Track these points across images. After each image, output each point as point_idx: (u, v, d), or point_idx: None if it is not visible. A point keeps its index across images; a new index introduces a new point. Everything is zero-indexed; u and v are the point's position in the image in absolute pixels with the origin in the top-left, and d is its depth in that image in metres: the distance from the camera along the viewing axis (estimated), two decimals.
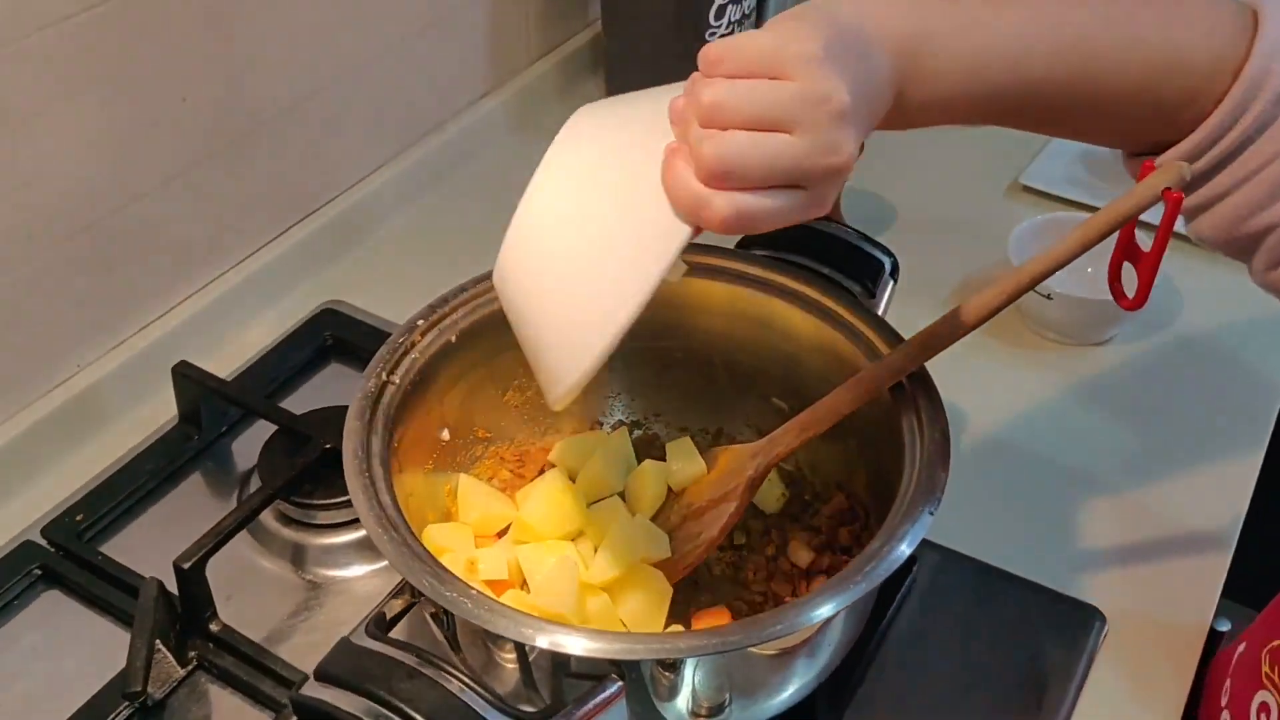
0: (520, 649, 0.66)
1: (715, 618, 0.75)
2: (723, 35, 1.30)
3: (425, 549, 0.65)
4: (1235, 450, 0.98)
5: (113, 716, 0.78)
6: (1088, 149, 1.31)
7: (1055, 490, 0.95)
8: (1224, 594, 0.88)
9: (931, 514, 0.66)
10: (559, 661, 0.65)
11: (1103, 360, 1.08)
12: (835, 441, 0.80)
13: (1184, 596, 0.88)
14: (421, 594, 0.63)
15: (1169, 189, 0.65)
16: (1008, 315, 1.12)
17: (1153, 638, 0.85)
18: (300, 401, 1.03)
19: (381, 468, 0.69)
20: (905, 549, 0.64)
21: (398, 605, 0.68)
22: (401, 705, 0.58)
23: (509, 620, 0.61)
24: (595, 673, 0.64)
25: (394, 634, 0.69)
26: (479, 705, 0.59)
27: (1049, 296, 1.06)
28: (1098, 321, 1.08)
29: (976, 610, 0.87)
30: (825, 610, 0.62)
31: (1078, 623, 0.86)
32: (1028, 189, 1.26)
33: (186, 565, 0.80)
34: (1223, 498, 0.94)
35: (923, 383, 0.73)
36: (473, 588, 0.63)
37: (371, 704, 0.59)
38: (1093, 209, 1.19)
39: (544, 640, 0.61)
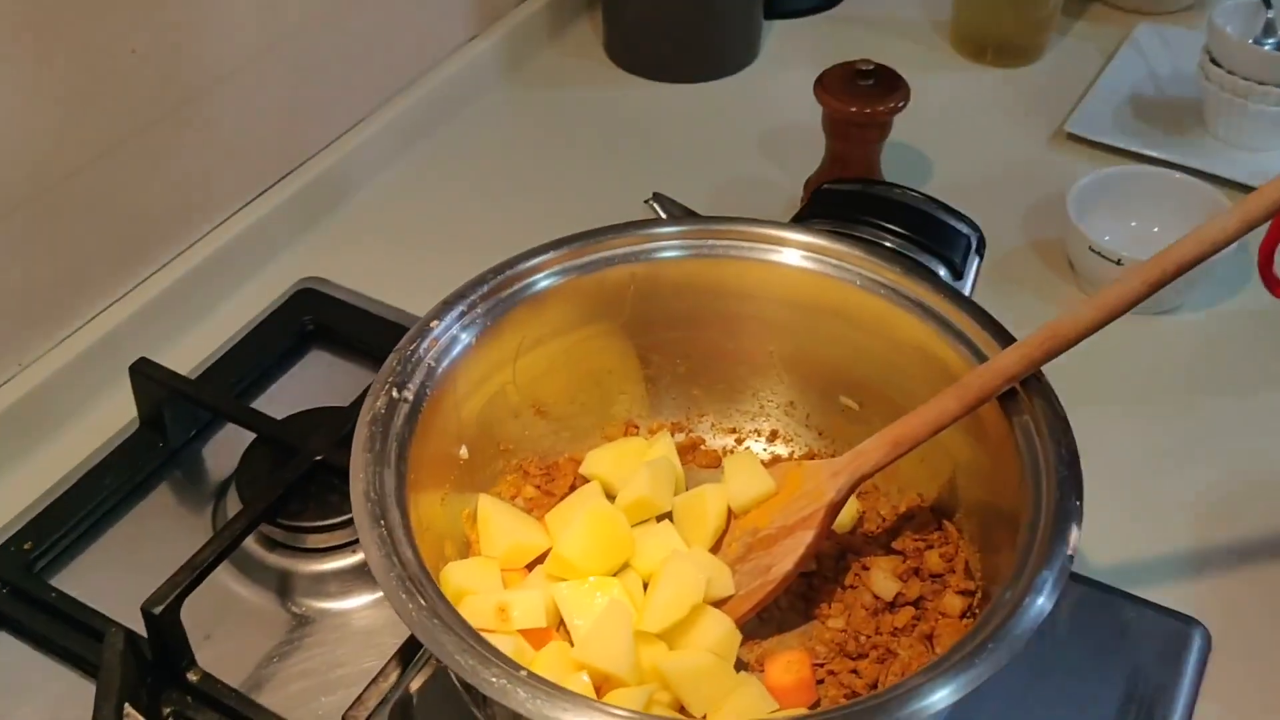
0: None
1: (795, 667, 0.64)
2: None
3: (457, 615, 0.53)
4: None
5: None
6: (1135, 91, 1.20)
7: (1140, 485, 0.84)
8: None
9: (1071, 558, 0.55)
10: None
11: (1173, 331, 0.97)
12: (918, 448, 0.68)
13: None
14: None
15: None
16: (1060, 277, 1.04)
17: (1263, 651, 0.75)
18: (280, 397, 0.91)
19: (398, 509, 0.57)
20: (1045, 602, 0.53)
21: (423, 675, 0.56)
22: None
23: (575, 715, 0.49)
24: None
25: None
26: None
27: (1119, 262, 0.94)
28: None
29: (1063, 626, 0.76)
30: (950, 692, 0.50)
31: (1178, 638, 0.76)
32: (1074, 137, 1.15)
33: (158, 610, 0.68)
34: None
35: (1041, 389, 0.62)
36: (519, 668, 0.51)
37: None
38: (1147, 159, 1.09)
39: None
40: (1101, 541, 0.81)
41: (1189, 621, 0.76)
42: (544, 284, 0.69)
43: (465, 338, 0.66)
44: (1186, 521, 0.83)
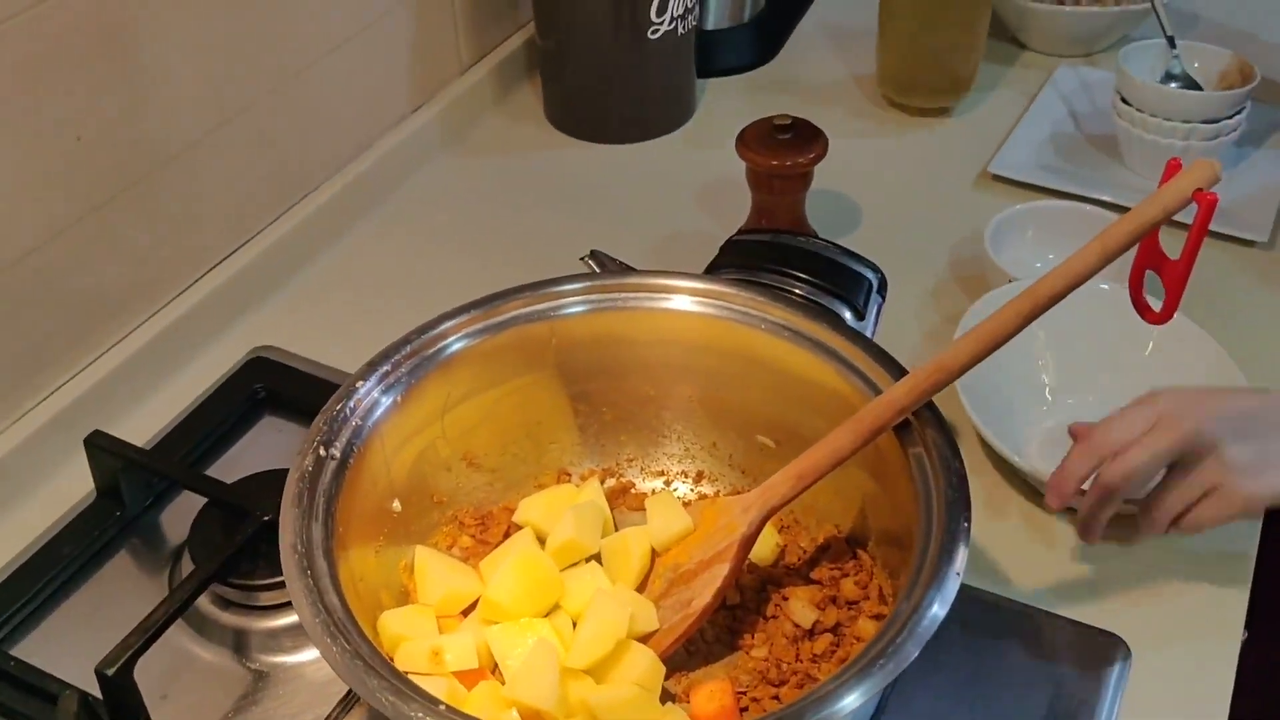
0: None
1: (717, 696, 0.66)
2: (665, 31, 1.21)
3: (380, 658, 0.56)
4: None
5: None
6: (1055, 130, 1.25)
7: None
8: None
9: (958, 575, 0.58)
10: None
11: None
12: (832, 480, 0.72)
13: (1208, 615, 0.81)
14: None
15: (1200, 190, 0.58)
16: None
17: (1180, 664, 0.78)
18: (234, 464, 0.94)
19: (325, 561, 0.60)
20: (932, 618, 0.56)
21: (356, 716, 0.59)
22: None
23: None
24: None
25: None
26: None
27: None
28: None
29: (987, 647, 0.79)
30: (853, 699, 0.54)
31: (1099, 653, 0.79)
32: (998, 178, 1.20)
33: (111, 671, 0.71)
34: None
35: (932, 416, 0.65)
36: (439, 702, 0.54)
37: None
38: (1068, 195, 1.13)
39: None
40: (1021, 562, 0.84)
41: (1109, 637, 0.79)
42: (458, 345, 0.73)
43: (390, 396, 0.70)
44: (1107, 540, 0.86)
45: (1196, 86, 1.16)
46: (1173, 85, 1.16)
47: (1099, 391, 0.94)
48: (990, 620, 0.80)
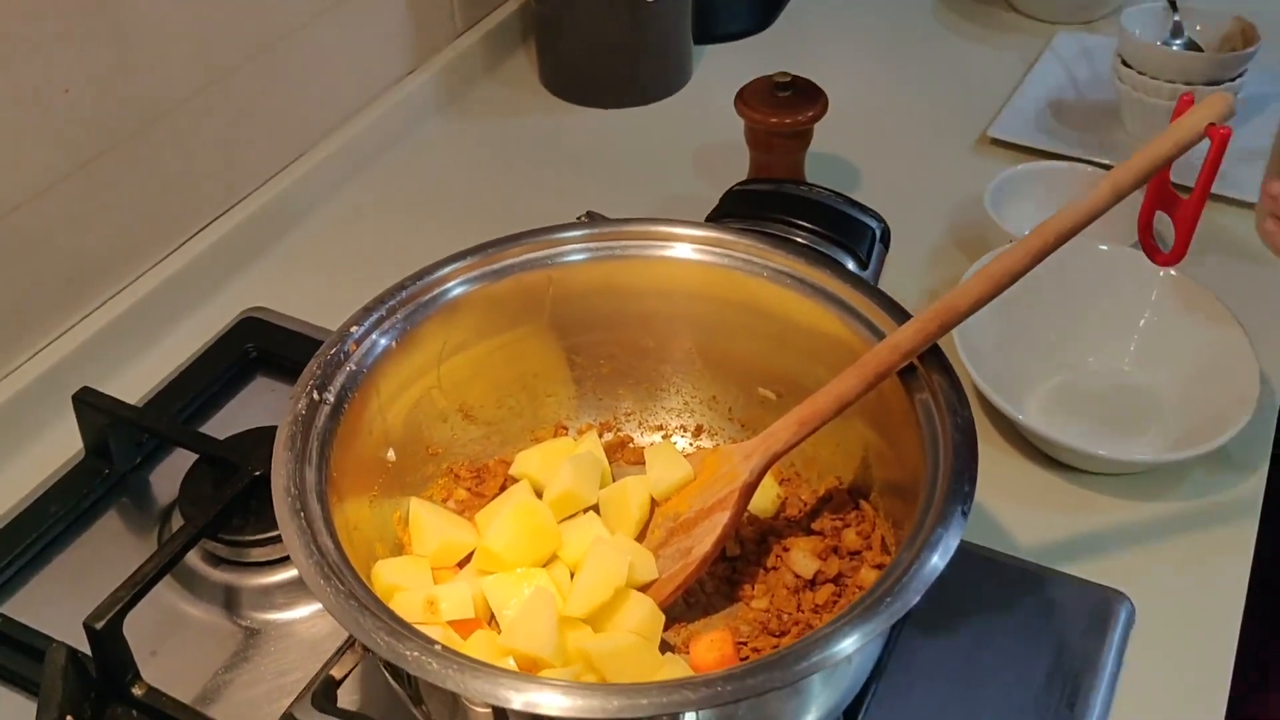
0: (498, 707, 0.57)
1: (717, 645, 0.65)
2: None
3: (375, 599, 0.55)
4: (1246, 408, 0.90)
5: None
6: (1054, 96, 1.24)
7: (1059, 465, 0.87)
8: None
9: (965, 515, 0.57)
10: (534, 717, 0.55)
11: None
12: (834, 431, 0.71)
13: (1212, 569, 0.80)
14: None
15: (1213, 124, 0.56)
16: None
17: (1185, 621, 0.77)
18: (224, 424, 0.92)
19: (319, 503, 0.59)
20: (939, 560, 0.55)
21: (348, 662, 0.58)
22: None
23: (483, 680, 0.51)
24: None
25: (347, 690, 0.60)
26: None
27: None
28: None
29: (991, 605, 0.78)
30: (852, 641, 0.53)
31: (1104, 611, 0.78)
32: (997, 141, 1.19)
33: (99, 624, 0.69)
34: (1243, 462, 0.87)
35: (939, 363, 0.64)
36: (434, 642, 0.53)
37: None
38: (1067, 159, 1.12)
39: (522, 700, 0.51)
40: (1024, 521, 0.83)
41: (1112, 593, 0.78)
42: (458, 291, 0.71)
43: (385, 342, 0.68)
44: (1109, 496, 0.85)
45: (1198, 49, 1.15)
46: (1176, 46, 1.14)
47: (1100, 353, 0.93)
48: (993, 578, 0.79)
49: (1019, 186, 1.05)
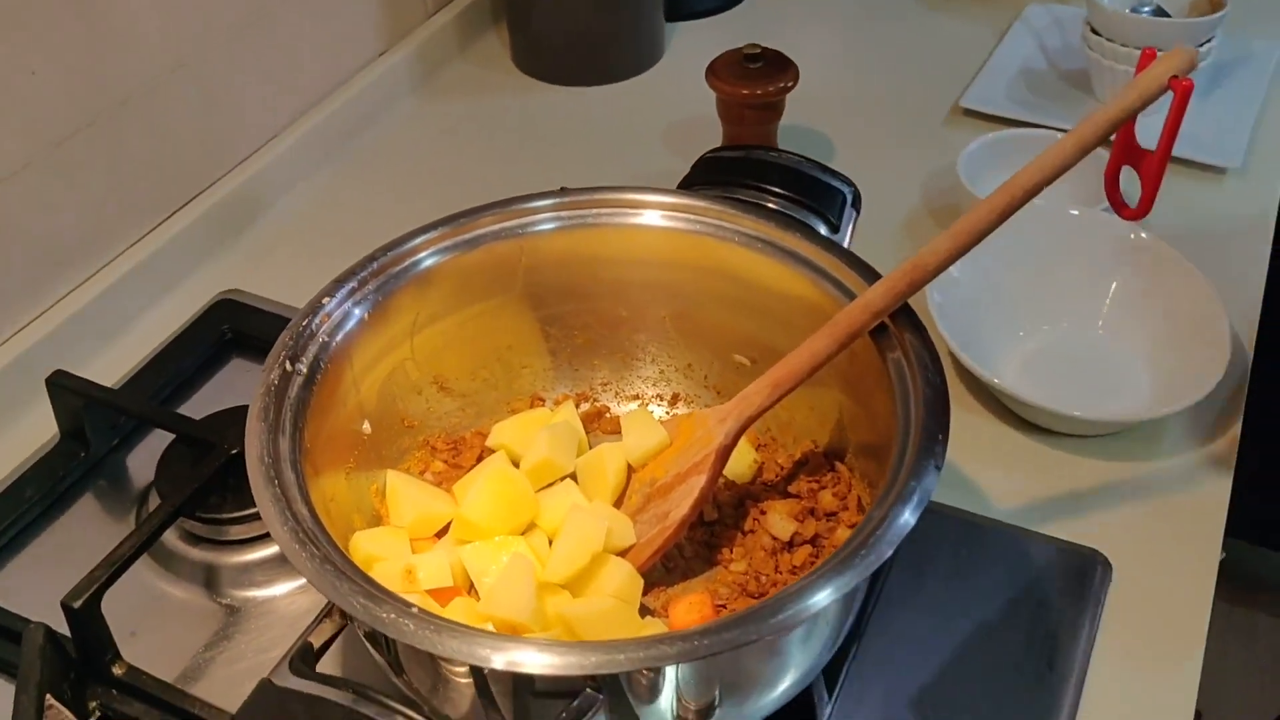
0: (475, 668, 0.57)
1: (696, 607, 0.66)
2: None
3: (352, 564, 0.55)
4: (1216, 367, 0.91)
5: None
6: (1026, 66, 1.24)
7: (1033, 427, 0.87)
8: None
9: (938, 469, 0.57)
10: (520, 679, 0.56)
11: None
12: (808, 395, 0.71)
13: (1188, 528, 0.81)
14: (353, 617, 0.53)
15: (1176, 77, 0.57)
16: None
17: (1162, 579, 0.78)
18: (200, 406, 0.92)
19: (293, 472, 0.59)
20: (912, 513, 0.56)
21: (327, 630, 0.58)
22: None
23: (461, 640, 0.51)
24: (564, 688, 0.54)
25: (325, 665, 0.60)
26: None
27: None
28: None
29: (968, 567, 0.79)
30: (828, 594, 0.53)
31: (1081, 571, 0.78)
32: (969, 112, 1.19)
33: (77, 604, 0.69)
34: (1216, 421, 0.87)
35: (910, 322, 0.64)
36: (411, 605, 0.53)
37: None
38: (1040, 128, 1.12)
39: (501, 660, 0.51)
40: (1000, 483, 0.83)
41: (1090, 553, 0.79)
42: (430, 261, 0.71)
43: (358, 312, 0.68)
44: (1084, 457, 0.86)
45: (1166, 15, 1.16)
46: (1145, 12, 1.15)
47: (1074, 317, 0.94)
48: (970, 539, 0.80)
49: (992, 154, 1.05)
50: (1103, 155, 0.92)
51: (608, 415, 0.80)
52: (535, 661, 0.51)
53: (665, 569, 0.70)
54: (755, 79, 1.00)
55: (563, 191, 0.83)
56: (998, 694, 0.71)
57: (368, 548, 0.66)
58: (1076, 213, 0.95)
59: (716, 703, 0.61)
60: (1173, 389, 0.85)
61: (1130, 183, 0.65)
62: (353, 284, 0.69)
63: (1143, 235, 0.93)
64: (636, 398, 0.80)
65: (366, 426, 0.71)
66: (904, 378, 0.63)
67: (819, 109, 1.15)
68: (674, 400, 0.80)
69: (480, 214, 0.72)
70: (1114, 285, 0.94)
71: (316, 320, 0.66)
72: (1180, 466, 0.85)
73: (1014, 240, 0.88)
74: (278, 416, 0.61)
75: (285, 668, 0.52)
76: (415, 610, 0.52)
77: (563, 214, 0.73)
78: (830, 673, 0.71)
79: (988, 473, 0.84)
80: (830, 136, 1.16)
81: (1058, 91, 1.21)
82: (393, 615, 0.51)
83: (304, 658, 0.53)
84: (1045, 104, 1.18)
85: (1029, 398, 0.83)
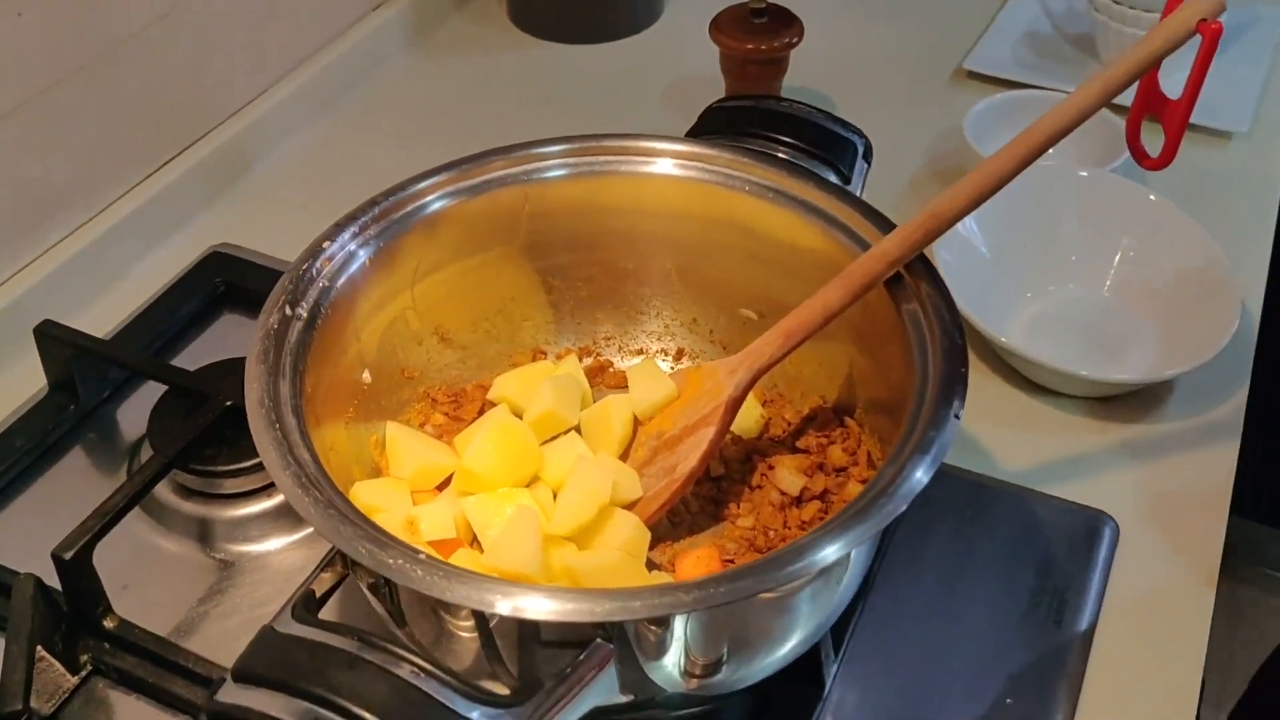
0: (480, 618, 0.55)
1: (704, 561, 0.64)
2: None
3: (357, 510, 0.54)
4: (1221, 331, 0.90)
5: None
6: (1030, 29, 1.23)
7: (1040, 390, 0.86)
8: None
9: (957, 418, 0.56)
10: (527, 628, 0.54)
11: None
12: (816, 350, 0.70)
13: (1195, 489, 0.80)
14: (357, 564, 0.52)
15: (1204, 20, 0.55)
16: None
17: (1169, 540, 0.77)
18: (192, 359, 0.90)
19: (294, 417, 0.57)
20: (932, 462, 0.54)
21: (327, 580, 0.57)
22: (344, 703, 0.47)
23: (470, 586, 0.50)
24: (571, 638, 0.53)
25: (325, 615, 0.58)
26: (440, 692, 0.48)
27: None
28: None
29: (975, 527, 0.78)
30: (848, 541, 0.52)
31: (1087, 530, 0.78)
32: (973, 75, 1.17)
33: (68, 555, 0.68)
34: (1224, 384, 0.86)
35: (926, 272, 0.63)
36: (419, 551, 0.51)
37: (306, 704, 0.47)
38: (1043, 90, 1.11)
39: (507, 605, 0.50)
40: (1008, 444, 0.82)
41: (1096, 513, 0.78)
42: (434, 206, 0.70)
43: (360, 256, 0.66)
44: (1091, 419, 0.85)
45: None
46: None
47: (1081, 279, 0.93)
48: (978, 500, 0.79)
49: (999, 115, 1.04)
50: (1108, 116, 0.91)
51: (611, 370, 0.78)
52: (545, 608, 0.50)
53: (671, 524, 0.69)
54: (760, 34, 0.98)
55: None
56: (1006, 652, 0.71)
57: (368, 498, 0.65)
58: (1085, 174, 0.93)
59: (724, 659, 0.60)
60: (1180, 351, 0.84)
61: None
62: (354, 228, 0.67)
63: (1150, 197, 0.92)
64: (640, 352, 0.79)
65: (366, 376, 0.69)
66: (920, 328, 0.62)
67: (821, 68, 1.13)
68: (678, 355, 0.79)
69: (487, 159, 0.71)
70: (1122, 247, 0.93)
71: (317, 264, 0.65)
72: (1187, 430, 0.84)
73: (1022, 201, 0.87)
74: (278, 360, 0.60)
75: (288, 614, 0.51)
76: (423, 557, 0.51)
77: (570, 160, 0.71)
78: (836, 632, 0.70)
79: (994, 434, 0.83)
80: (832, 96, 1.15)
81: (1062, 55, 1.19)
82: (400, 561, 0.50)
83: (307, 605, 0.52)
84: (1050, 66, 1.17)
85: (1037, 357, 0.82)
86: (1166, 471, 0.81)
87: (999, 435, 0.83)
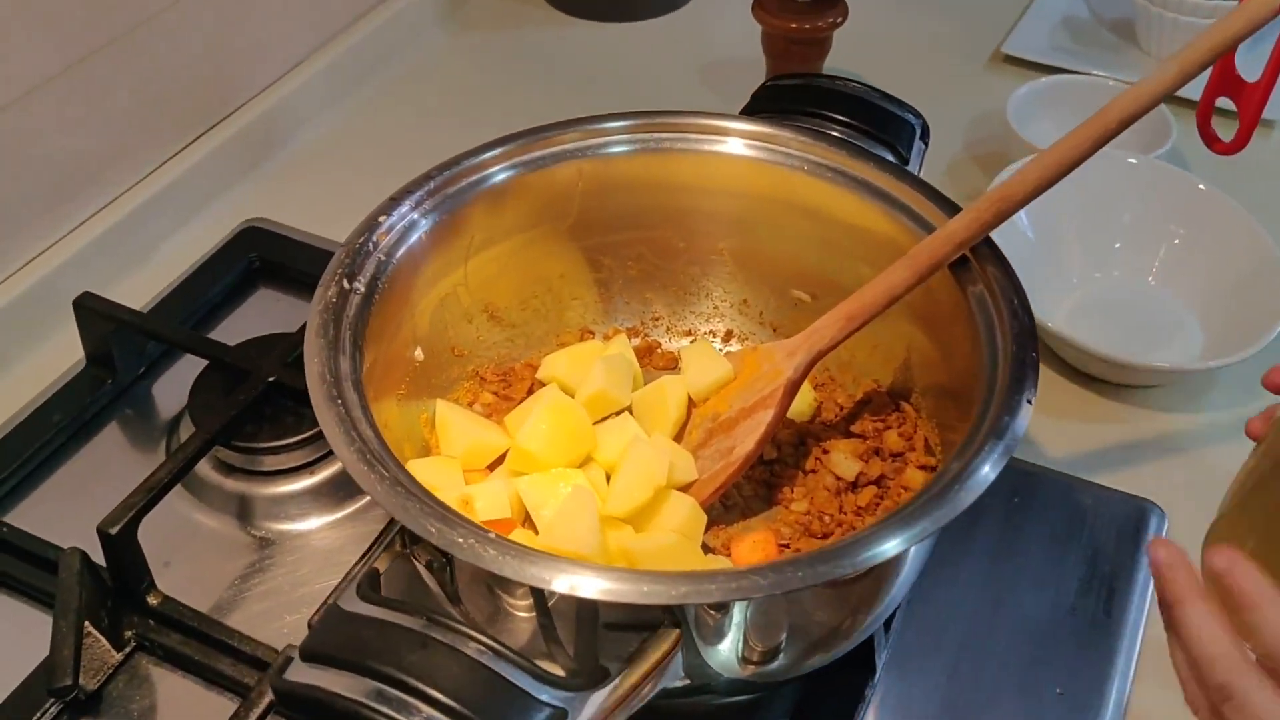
0: (539, 597, 0.54)
1: (760, 545, 0.63)
2: None
3: (422, 487, 0.53)
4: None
5: (39, 716, 0.65)
6: (1069, 13, 1.21)
7: (1085, 377, 0.85)
8: None
9: (1030, 403, 0.55)
10: (585, 611, 0.53)
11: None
12: (871, 334, 0.69)
13: None
14: (418, 541, 0.51)
15: None
16: None
17: None
18: (228, 333, 0.89)
19: (355, 392, 0.56)
20: (1004, 448, 0.53)
21: (385, 559, 0.56)
22: (416, 682, 0.46)
23: (541, 566, 0.49)
24: (635, 621, 0.52)
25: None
26: (510, 673, 0.48)
27: None
28: None
29: (1023, 515, 0.77)
30: (932, 521, 0.51)
31: (1135, 520, 0.77)
32: (1011, 59, 1.16)
33: (114, 530, 0.67)
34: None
35: (993, 254, 0.62)
36: (488, 530, 0.50)
37: (378, 684, 0.46)
38: (1083, 75, 1.10)
39: (592, 587, 0.49)
40: (1054, 432, 0.82)
41: (1144, 502, 0.77)
42: (493, 179, 0.68)
43: (416, 230, 0.65)
44: (1137, 407, 0.84)
45: None
46: None
47: (1127, 267, 0.92)
48: (1026, 488, 0.78)
49: (1041, 100, 1.03)
50: None
51: (659, 351, 0.77)
52: (614, 590, 0.49)
53: (724, 507, 0.68)
54: (803, 13, 0.97)
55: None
56: (1055, 640, 0.70)
57: (422, 476, 0.62)
58: (1134, 161, 0.92)
59: (782, 647, 0.59)
60: (1226, 342, 0.83)
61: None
62: (409, 203, 0.66)
63: (1200, 186, 0.91)
64: (689, 333, 0.78)
65: (419, 353, 0.68)
66: (987, 310, 0.61)
67: (858, 52, 1.12)
68: (727, 336, 0.78)
69: (551, 131, 0.69)
70: (1169, 235, 0.91)
71: (374, 238, 0.64)
72: (1232, 421, 0.83)
73: (1069, 186, 0.86)
74: (337, 334, 0.59)
75: (352, 593, 0.50)
76: (493, 535, 0.50)
77: (637, 136, 0.70)
78: (886, 621, 0.69)
79: (1040, 420, 0.82)
80: (870, 79, 1.13)
81: (1101, 40, 1.18)
82: (470, 540, 0.49)
83: (372, 583, 0.51)
84: (1088, 51, 1.16)
85: (1085, 343, 0.81)
86: (1211, 462, 0.81)
87: (1046, 423, 0.82)
